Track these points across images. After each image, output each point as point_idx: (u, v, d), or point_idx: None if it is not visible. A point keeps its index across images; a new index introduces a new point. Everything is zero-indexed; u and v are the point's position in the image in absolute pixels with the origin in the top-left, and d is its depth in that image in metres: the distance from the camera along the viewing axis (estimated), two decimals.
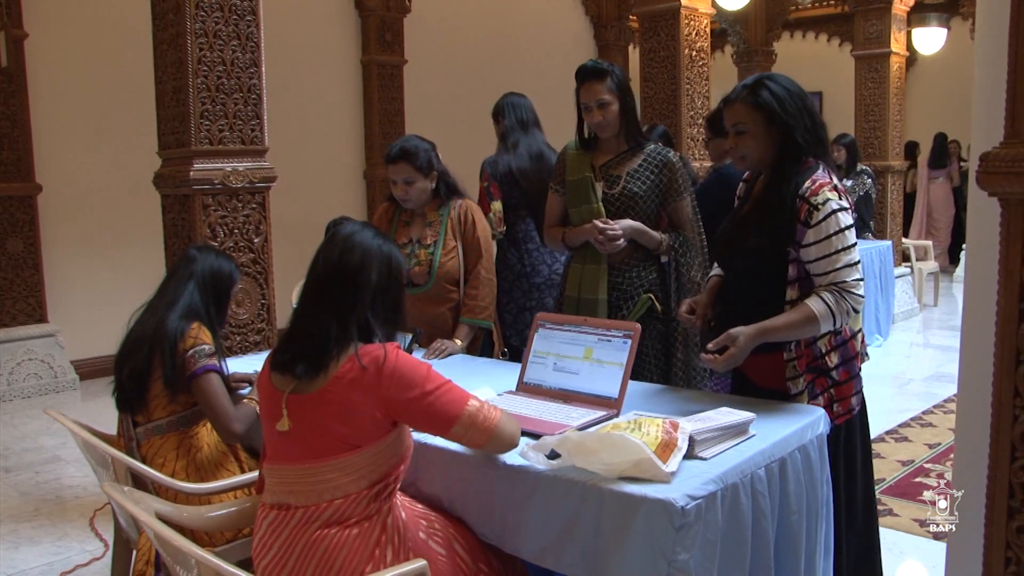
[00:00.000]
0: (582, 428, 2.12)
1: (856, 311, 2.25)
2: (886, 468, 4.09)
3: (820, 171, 2.31)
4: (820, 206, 2.23)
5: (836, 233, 2.22)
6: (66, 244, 6.19)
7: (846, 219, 2.24)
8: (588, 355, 2.40)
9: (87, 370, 6.23)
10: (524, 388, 2.49)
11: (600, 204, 3.06)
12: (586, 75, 3.03)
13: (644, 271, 3.10)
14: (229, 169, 3.47)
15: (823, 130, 2.39)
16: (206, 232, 3.44)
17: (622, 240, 2.99)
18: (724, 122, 2.47)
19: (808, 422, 2.17)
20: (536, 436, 2.07)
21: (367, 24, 7.77)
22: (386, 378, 1.79)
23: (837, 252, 2.22)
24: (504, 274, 4.10)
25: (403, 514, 1.92)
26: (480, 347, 3.33)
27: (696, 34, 5.41)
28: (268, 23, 7.17)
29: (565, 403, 2.34)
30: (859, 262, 2.26)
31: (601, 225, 2.98)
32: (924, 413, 5.09)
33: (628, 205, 3.05)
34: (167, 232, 3.63)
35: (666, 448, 1.83)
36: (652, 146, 3.12)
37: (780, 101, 2.31)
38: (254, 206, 3.58)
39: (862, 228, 7.23)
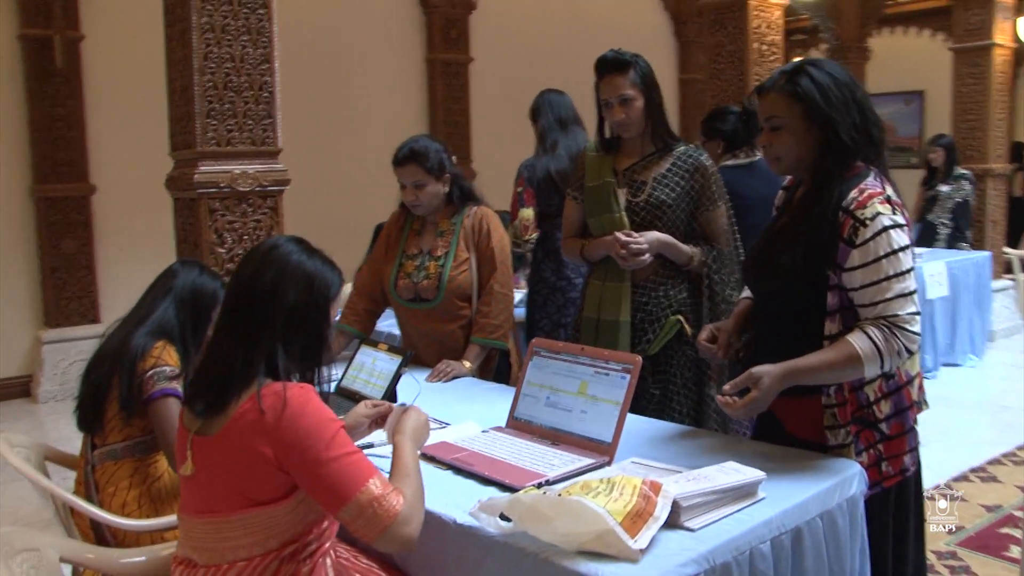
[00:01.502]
0: (557, 480, 1.81)
1: (910, 352, 1.86)
2: (968, 514, 3.61)
3: (871, 178, 1.92)
4: (868, 221, 1.84)
5: (888, 255, 1.83)
6: (119, 245, 6.14)
7: (901, 238, 1.85)
8: (583, 390, 2.08)
9: None
10: (514, 424, 2.19)
11: (623, 213, 2.72)
12: (606, 67, 2.70)
13: (672, 289, 2.74)
14: (238, 171, 3.25)
15: (877, 128, 1.99)
16: (212, 238, 3.23)
17: (647, 255, 2.65)
18: (758, 115, 2.11)
19: (836, 482, 1.81)
20: (507, 488, 1.79)
21: (432, 21, 7.57)
22: (284, 427, 1.51)
23: (888, 279, 1.83)
24: (538, 287, 3.81)
25: (331, 575, 1.64)
26: (495, 369, 3.03)
27: (767, 27, 5.00)
28: (331, 21, 7.08)
29: (553, 445, 2.03)
30: (915, 292, 1.86)
31: (624, 238, 2.65)
32: (1020, 448, 4.55)
33: (654, 215, 2.71)
34: (178, 238, 3.45)
35: (637, 519, 1.50)
36: (682, 148, 2.76)
37: (823, 90, 1.93)
38: (265, 211, 3.36)
39: (957, 238, 6.66)
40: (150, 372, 2.25)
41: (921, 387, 2.06)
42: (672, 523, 1.57)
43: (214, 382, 1.58)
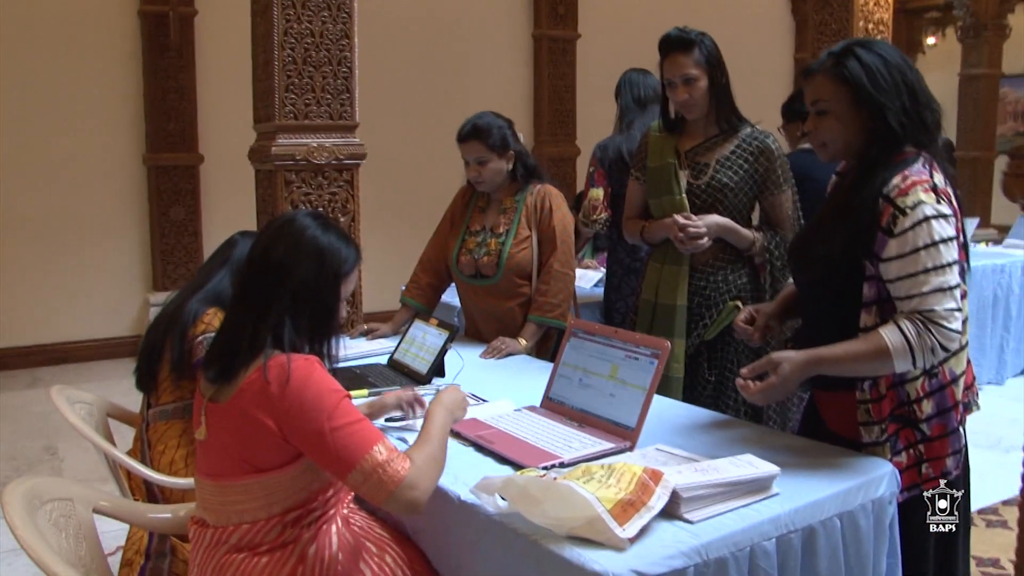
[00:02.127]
0: (572, 463, 1.79)
1: (945, 349, 1.75)
2: None
3: (918, 165, 1.81)
4: (908, 210, 1.74)
5: (927, 247, 1.73)
6: (224, 213, 6.37)
7: (943, 229, 1.74)
8: (614, 373, 2.05)
9: None
10: (547, 404, 2.18)
11: (683, 196, 2.65)
12: (670, 46, 2.63)
13: (732, 275, 2.67)
14: (314, 145, 3.32)
15: (931, 112, 1.87)
16: (288, 209, 3.32)
17: (706, 239, 2.58)
18: (805, 100, 2.02)
19: (860, 481, 1.73)
20: (520, 467, 1.79)
21: None
22: (288, 398, 1.54)
23: (926, 271, 1.73)
24: (614, 269, 3.76)
25: (334, 542, 1.67)
26: (552, 348, 3.01)
27: (875, 4, 4.76)
28: None
29: (580, 428, 2.01)
30: (956, 287, 1.75)
31: (682, 221, 2.59)
32: None
33: (716, 198, 2.63)
34: (258, 208, 3.55)
35: (628, 507, 1.47)
36: (748, 129, 2.67)
37: (870, 73, 1.83)
38: (341, 184, 3.42)
39: None
40: (200, 338, 2.34)
41: (972, 387, 1.94)
42: (672, 514, 1.53)
43: (225, 351, 1.63)
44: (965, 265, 1.84)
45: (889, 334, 1.73)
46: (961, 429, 1.89)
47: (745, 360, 2.67)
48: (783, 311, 2.14)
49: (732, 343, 2.66)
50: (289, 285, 1.63)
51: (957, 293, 1.74)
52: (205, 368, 1.67)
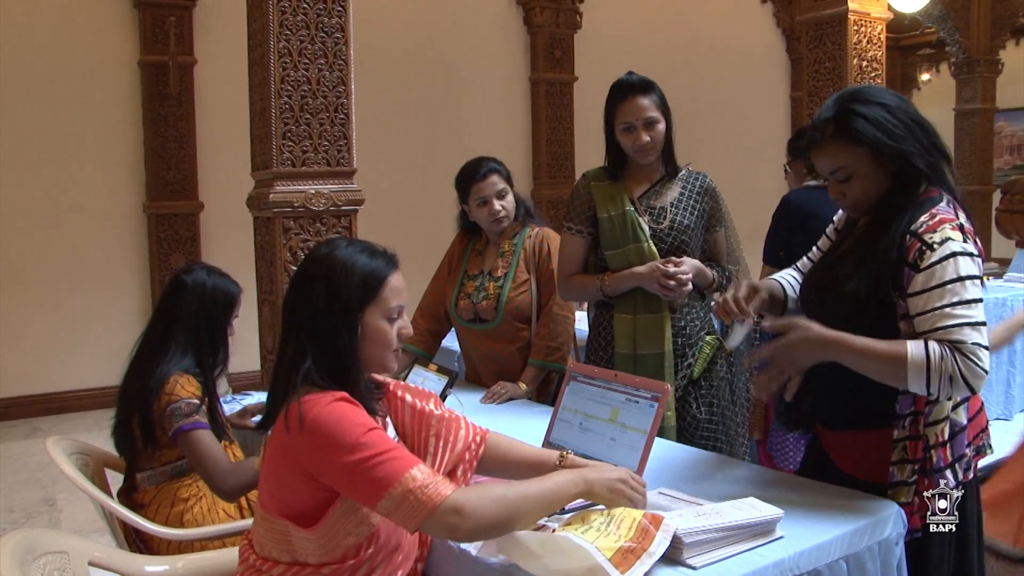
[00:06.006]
0: (571, 510, 1.75)
1: (967, 383, 1.66)
2: None
3: (943, 204, 1.80)
4: (936, 245, 1.71)
5: (954, 282, 1.69)
6: (223, 261, 6.32)
7: (970, 267, 1.71)
8: (614, 417, 2.02)
9: (244, 383, 6.39)
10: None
11: (650, 242, 2.61)
12: (632, 89, 2.60)
13: (701, 311, 2.70)
14: (312, 192, 3.33)
15: (942, 143, 1.86)
16: (287, 256, 3.33)
17: (689, 285, 2.56)
18: (818, 170, 1.98)
19: (866, 523, 1.70)
20: None
21: (535, 41, 7.62)
22: (306, 436, 1.49)
23: (953, 305, 1.68)
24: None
25: None
26: (553, 392, 2.99)
27: (868, 42, 4.81)
28: (435, 42, 7.22)
29: None
30: (985, 325, 1.70)
31: (672, 269, 2.54)
32: None
33: (681, 239, 2.62)
34: (256, 255, 3.57)
35: (629, 554, 1.44)
36: (684, 171, 2.71)
37: (881, 125, 1.79)
38: (339, 230, 3.43)
39: None
40: (167, 410, 2.25)
41: (985, 430, 1.92)
42: (674, 559, 1.51)
43: (271, 390, 1.64)
44: None
45: (912, 346, 1.68)
46: (951, 470, 1.83)
47: (729, 391, 2.68)
48: (764, 303, 2.07)
49: (715, 377, 2.66)
50: (304, 322, 1.61)
51: (985, 331, 1.70)
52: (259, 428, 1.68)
